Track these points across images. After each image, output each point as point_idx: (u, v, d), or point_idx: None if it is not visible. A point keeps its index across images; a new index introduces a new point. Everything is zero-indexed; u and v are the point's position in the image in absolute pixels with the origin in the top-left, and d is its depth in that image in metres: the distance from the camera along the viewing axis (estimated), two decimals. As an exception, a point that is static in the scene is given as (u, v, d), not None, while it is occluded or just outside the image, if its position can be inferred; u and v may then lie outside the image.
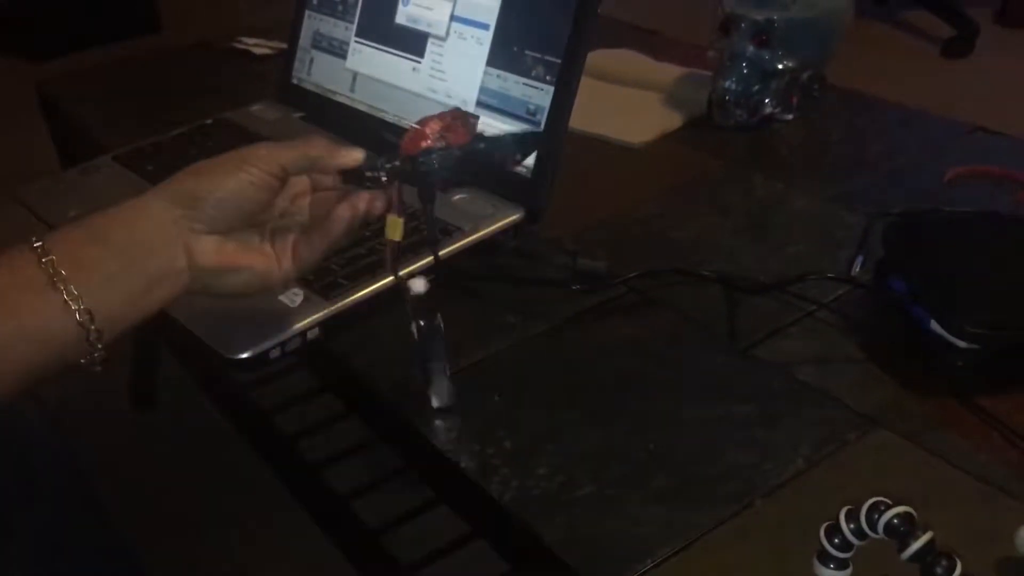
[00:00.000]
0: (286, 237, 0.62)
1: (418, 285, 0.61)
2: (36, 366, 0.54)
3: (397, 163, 0.61)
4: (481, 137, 0.63)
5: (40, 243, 0.54)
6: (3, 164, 2.17)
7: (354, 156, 0.61)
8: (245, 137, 0.99)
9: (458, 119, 0.63)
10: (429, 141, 0.61)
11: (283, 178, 0.60)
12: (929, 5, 2.75)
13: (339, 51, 1.00)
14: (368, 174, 0.61)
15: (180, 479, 1.38)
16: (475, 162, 0.62)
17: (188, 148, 0.98)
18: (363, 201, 0.62)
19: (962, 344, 0.64)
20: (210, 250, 0.58)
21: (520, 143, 0.67)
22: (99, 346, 0.54)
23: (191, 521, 1.31)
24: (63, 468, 0.73)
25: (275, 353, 0.70)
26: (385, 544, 0.84)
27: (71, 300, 0.53)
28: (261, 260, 0.61)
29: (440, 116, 0.62)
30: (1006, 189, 0.90)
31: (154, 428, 1.49)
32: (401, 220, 0.62)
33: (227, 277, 0.60)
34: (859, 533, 0.46)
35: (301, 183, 0.64)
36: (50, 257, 0.54)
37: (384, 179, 0.61)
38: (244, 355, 0.69)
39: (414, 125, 0.62)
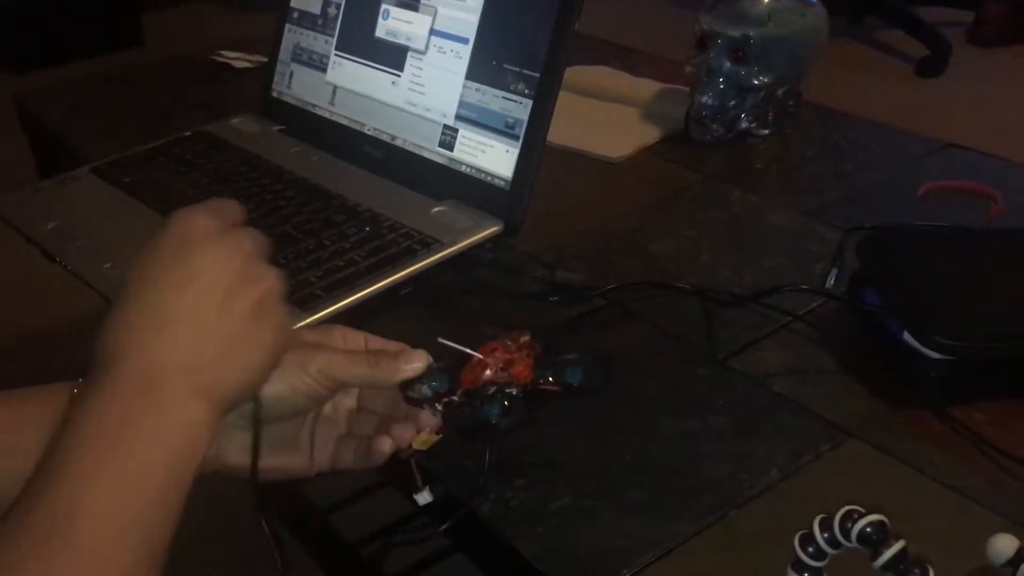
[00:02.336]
0: (330, 430, 0.59)
1: (424, 498, 0.59)
2: None
3: (455, 397, 0.57)
4: (545, 363, 0.59)
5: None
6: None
7: (415, 367, 0.56)
8: (225, 150, 0.99)
9: (524, 348, 0.58)
10: (490, 373, 0.57)
11: (336, 391, 0.57)
12: (903, 25, 2.79)
13: (319, 64, 1.00)
14: (425, 406, 0.57)
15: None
16: (539, 401, 0.58)
17: (167, 160, 0.98)
18: (407, 435, 0.57)
19: (935, 355, 0.65)
20: (243, 447, 0.54)
21: (588, 370, 0.59)
22: None
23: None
24: None
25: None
26: (365, 557, 0.84)
27: None
28: (293, 461, 0.58)
29: (504, 345, 0.58)
30: (977, 204, 0.91)
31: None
32: (437, 439, 0.58)
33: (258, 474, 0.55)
34: (833, 542, 0.46)
35: (349, 395, 0.61)
36: None
37: (439, 416, 0.57)
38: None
39: (476, 354, 0.58)
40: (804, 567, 0.48)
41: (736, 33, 1.01)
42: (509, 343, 0.58)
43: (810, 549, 0.47)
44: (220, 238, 0.50)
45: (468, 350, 0.58)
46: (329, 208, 0.86)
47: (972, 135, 1.12)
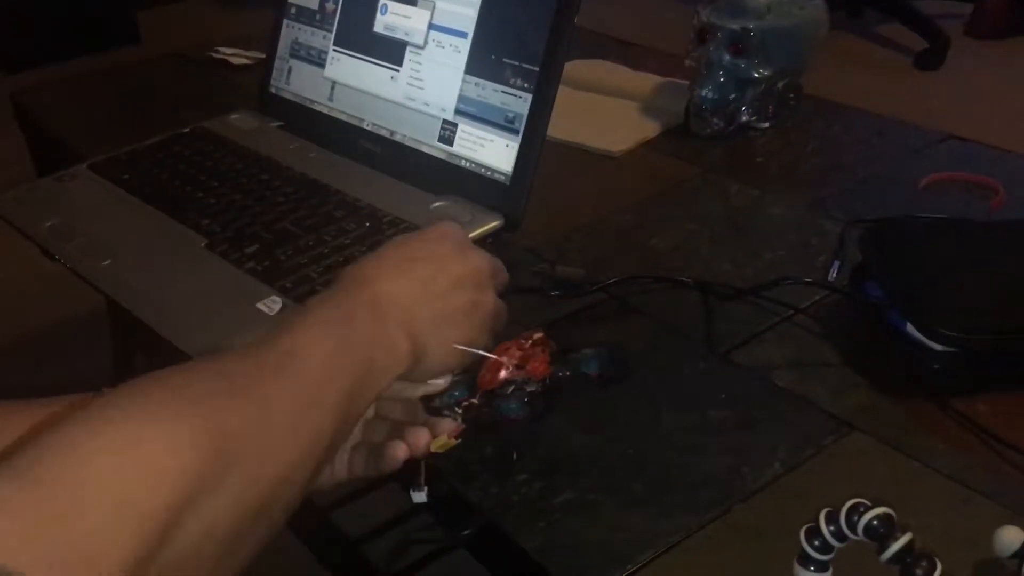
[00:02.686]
0: (346, 440, 0.58)
1: (420, 497, 0.58)
2: None
3: (474, 400, 0.57)
4: (561, 360, 0.60)
5: None
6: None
7: (436, 384, 0.58)
8: (224, 146, 0.99)
9: (538, 345, 0.59)
10: (506, 373, 0.57)
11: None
12: (902, 18, 2.78)
13: (317, 60, 1.00)
14: (445, 413, 0.57)
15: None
16: (557, 392, 0.59)
17: (165, 157, 0.98)
18: (422, 441, 0.57)
19: (938, 347, 0.65)
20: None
21: (604, 362, 0.62)
22: None
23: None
24: None
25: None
26: (366, 554, 0.84)
27: None
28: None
29: (518, 343, 0.59)
30: (978, 195, 0.91)
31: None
32: (455, 443, 0.58)
33: None
34: (839, 535, 0.46)
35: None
36: None
37: (460, 420, 0.57)
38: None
39: (491, 355, 0.58)
40: (810, 560, 0.48)
41: (736, 26, 1.01)
42: (523, 341, 0.58)
43: (816, 543, 0.47)
44: (472, 250, 0.60)
45: (483, 352, 0.58)
46: (328, 204, 0.86)
47: (971, 127, 1.11)
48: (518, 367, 0.57)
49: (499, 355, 0.58)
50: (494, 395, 0.58)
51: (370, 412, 0.60)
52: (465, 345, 0.57)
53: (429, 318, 0.55)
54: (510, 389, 0.57)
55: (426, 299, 0.56)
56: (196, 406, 0.42)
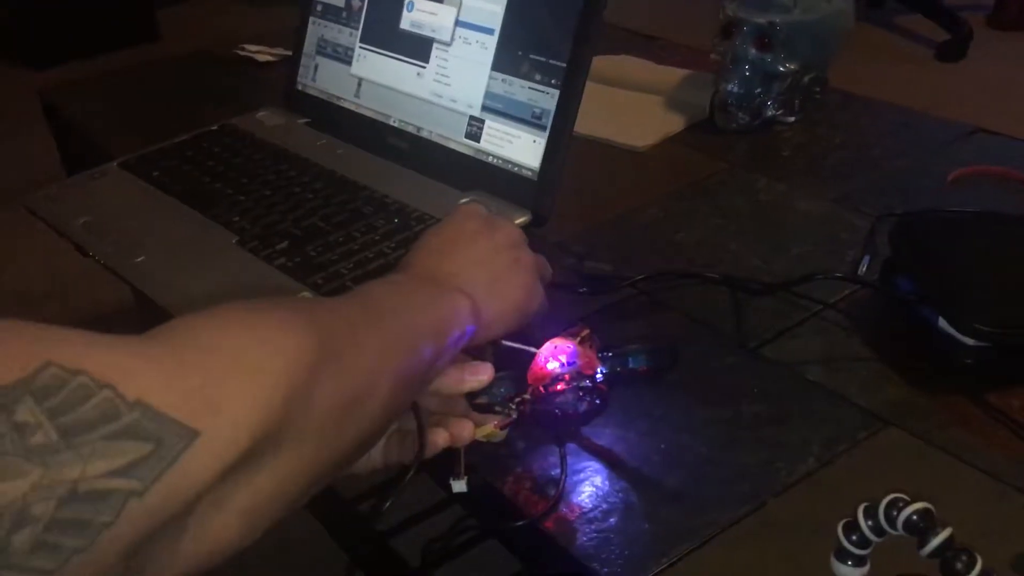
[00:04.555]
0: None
1: (460, 486, 0.58)
2: None
3: (527, 396, 0.58)
4: (608, 357, 0.60)
5: None
6: (5, 169, 2.17)
7: (480, 379, 0.58)
8: (252, 143, 0.99)
9: (586, 341, 0.59)
10: (557, 370, 0.58)
11: None
12: (923, 9, 2.77)
13: (344, 57, 1.00)
14: (497, 410, 0.58)
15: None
16: (610, 387, 0.59)
17: (194, 154, 0.98)
18: (465, 432, 0.58)
19: (971, 342, 0.64)
20: None
21: (653, 356, 0.63)
22: None
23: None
24: None
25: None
26: (395, 545, 0.84)
27: None
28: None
29: (566, 340, 0.59)
30: (1008, 189, 0.91)
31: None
32: (502, 435, 0.59)
33: None
34: (877, 530, 0.46)
35: None
36: None
37: (514, 416, 0.57)
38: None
39: (540, 351, 0.59)
40: (848, 555, 0.48)
41: (761, 20, 1.00)
42: (571, 337, 0.59)
43: (854, 537, 0.47)
44: (497, 219, 0.65)
45: (532, 348, 0.59)
46: (357, 200, 0.87)
47: (995, 119, 1.11)
48: (568, 364, 0.58)
49: (548, 351, 0.58)
50: (546, 391, 0.58)
51: None
52: (527, 297, 0.61)
53: (483, 283, 0.59)
54: (563, 386, 0.58)
55: (475, 267, 0.59)
56: (297, 312, 0.46)
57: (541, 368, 0.58)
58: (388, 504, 0.55)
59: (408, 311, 0.54)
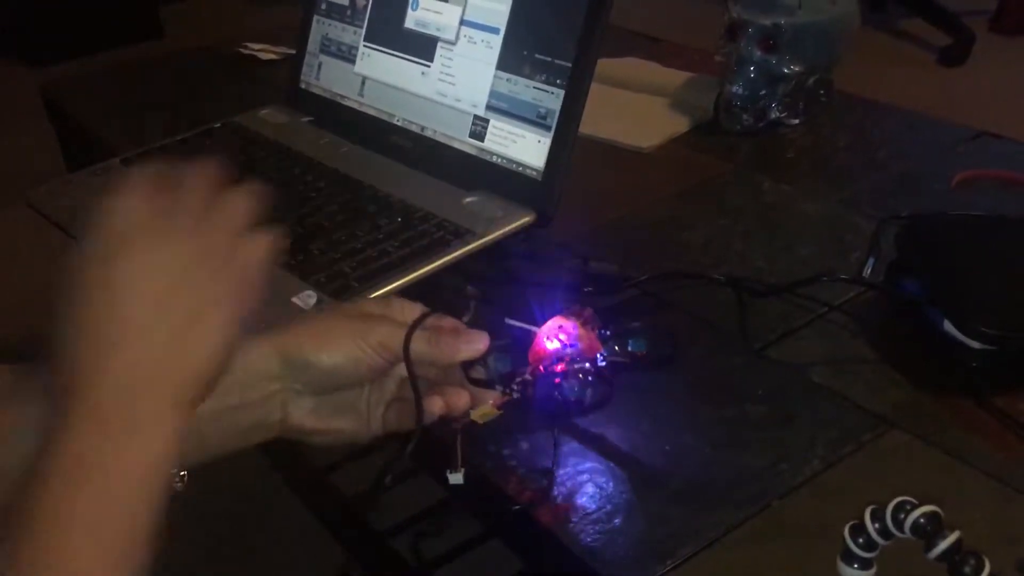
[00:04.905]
0: (383, 394, 0.59)
1: (457, 478, 0.57)
2: None
3: (528, 377, 0.56)
4: (607, 336, 0.58)
5: None
6: (6, 165, 2.17)
7: (476, 347, 0.56)
8: (255, 141, 0.99)
9: (588, 323, 0.57)
10: (559, 350, 0.56)
11: (395, 363, 0.57)
12: (926, 14, 2.76)
13: (348, 56, 1.00)
14: (497, 388, 0.56)
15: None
16: (615, 375, 0.57)
17: (196, 152, 0.98)
18: (461, 401, 0.57)
19: (976, 345, 0.64)
20: (306, 411, 0.56)
21: (652, 339, 0.61)
22: (181, 473, 0.52)
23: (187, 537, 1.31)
24: None
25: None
26: (396, 545, 0.84)
27: None
28: (352, 423, 0.58)
29: (568, 320, 0.57)
30: (1013, 192, 0.90)
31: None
32: (497, 413, 0.57)
33: (315, 436, 0.58)
34: (884, 533, 0.46)
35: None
36: None
37: (516, 396, 0.56)
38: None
39: (542, 331, 0.56)
40: (855, 558, 0.48)
41: (767, 21, 1.00)
42: (573, 318, 0.57)
43: (860, 540, 0.47)
44: (157, 230, 0.48)
45: (534, 328, 0.57)
46: (361, 199, 0.86)
47: (997, 123, 1.10)
48: (570, 345, 0.56)
49: (550, 329, 0.57)
50: (547, 373, 0.56)
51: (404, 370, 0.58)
52: (233, 327, 0.49)
53: (177, 356, 0.47)
54: (564, 368, 0.56)
55: (157, 342, 0.46)
56: None
57: (542, 347, 0.57)
58: (388, 479, 0.54)
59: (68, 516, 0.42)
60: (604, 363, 0.59)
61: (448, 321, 0.58)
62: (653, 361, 0.62)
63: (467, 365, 0.57)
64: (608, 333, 0.60)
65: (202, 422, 0.52)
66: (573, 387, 0.57)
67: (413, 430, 0.54)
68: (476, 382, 0.57)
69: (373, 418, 0.59)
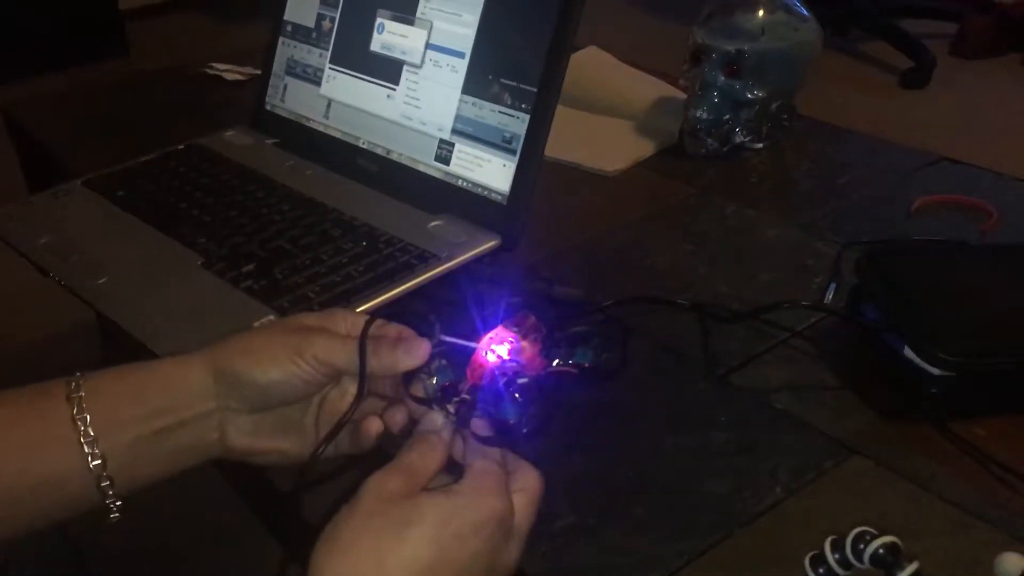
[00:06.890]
0: (334, 414, 0.56)
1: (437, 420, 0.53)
2: (47, 508, 0.52)
3: (465, 396, 0.52)
4: (554, 344, 0.54)
5: (78, 390, 0.53)
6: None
7: (415, 357, 0.53)
8: (219, 163, 0.98)
9: (530, 332, 0.54)
10: (497, 365, 0.53)
11: (335, 377, 0.55)
12: (888, 37, 2.81)
13: (313, 78, 1.00)
14: (434, 407, 0.53)
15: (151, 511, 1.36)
16: (557, 393, 0.53)
17: (160, 174, 0.97)
18: (400, 417, 0.55)
19: (936, 371, 0.65)
20: (244, 431, 0.55)
21: (601, 347, 0.57)
22: (113, 496, 0.52)
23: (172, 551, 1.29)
24: None
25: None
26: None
27: (89, 450, 0.51)
28: (295, 442, 0.56)
29: (508, 331, 0.54)
30: (972, 218, 0.92)
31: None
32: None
33: (256, 457, 0.56)
34: (844, 563, 0.46)
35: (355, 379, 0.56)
36: (83, 415, 0.52)
37: (452, 418, 0.52)
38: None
39: (477, 346, 0.53)
40: (815, 588, 0.48)
41: (730, 47, 1.01)
42: (515, 328, 0.53)
43: (821, 570, 0.47)
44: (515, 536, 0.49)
45: (470, 344, 0.53)
46: (325, 222, 0.86)
47: (957, 147, 1.12)
48: (510, 359, 0.53)
49: (489, 346, 0.53)
50: (486, 391, 0.52)
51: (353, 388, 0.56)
52: None
53: None
54: (502, 385, 0.52)
55: None
56: None
57: (480, 365, 0.53)
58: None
59: None
60: (548, 378, 0.54)
61: (391, 328, 0.56)
62: (601, 372, 0.58)
63: (408, 378, 0.54)
64: (552, 342, 0.56)
65: (136, 446, 0.51)
66: (509, 410, 0.52)
67: (332, 431, 0.53)
68: (418, 400, 0.54)
69: (319, 432, 0.57)
